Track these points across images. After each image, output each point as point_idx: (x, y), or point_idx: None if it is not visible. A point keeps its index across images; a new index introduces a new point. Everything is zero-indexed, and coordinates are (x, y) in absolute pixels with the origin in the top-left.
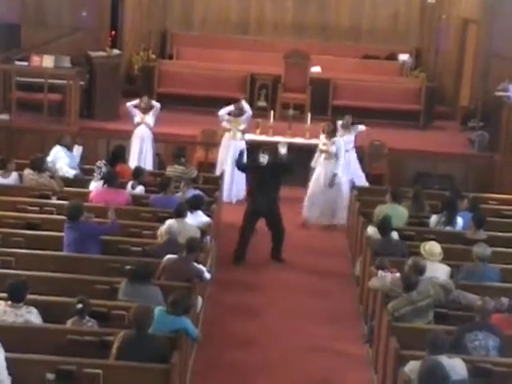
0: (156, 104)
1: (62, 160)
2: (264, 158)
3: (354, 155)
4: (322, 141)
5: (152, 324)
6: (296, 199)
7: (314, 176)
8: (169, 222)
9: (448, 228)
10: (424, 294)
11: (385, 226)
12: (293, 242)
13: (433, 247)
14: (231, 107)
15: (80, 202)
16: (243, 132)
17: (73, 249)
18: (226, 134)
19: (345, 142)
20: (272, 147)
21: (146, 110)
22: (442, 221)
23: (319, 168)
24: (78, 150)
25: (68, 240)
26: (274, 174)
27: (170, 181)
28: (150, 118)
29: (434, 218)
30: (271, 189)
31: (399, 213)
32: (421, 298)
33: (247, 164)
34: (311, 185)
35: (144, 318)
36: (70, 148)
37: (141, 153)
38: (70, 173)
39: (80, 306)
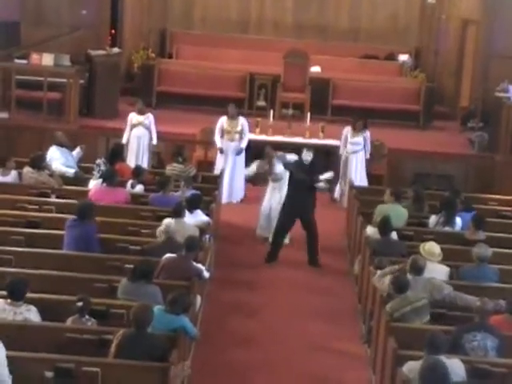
0: (150, 116)
1: (57, 161)
2: (309, 156)
3: (361, 157)
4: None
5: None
6: None
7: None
8: (166, 221)
9: (447, 228)
10: (419, 295)
11: (385, 226)
12: (291, 240)
13: (432, 247)
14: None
15: (92, 203)
16: (240, 133)
17: (73, 247)
18: (224, 136)
19: (352, 143)
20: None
21: (141, 112)
22: (440, 221)
23: (269, 194)
24: (78, 153)
25: (68, 238)
26: (310, 175)
27: (170, 179)
28: (147, 119)
29: (432, 219)
30: (307, 189)
31: (400, 213)
32: (417, 299)
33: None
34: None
35: (144, 316)
36: (65, 144)
37: (138, 153)
38: (70, 171)
39: (80, 304)
